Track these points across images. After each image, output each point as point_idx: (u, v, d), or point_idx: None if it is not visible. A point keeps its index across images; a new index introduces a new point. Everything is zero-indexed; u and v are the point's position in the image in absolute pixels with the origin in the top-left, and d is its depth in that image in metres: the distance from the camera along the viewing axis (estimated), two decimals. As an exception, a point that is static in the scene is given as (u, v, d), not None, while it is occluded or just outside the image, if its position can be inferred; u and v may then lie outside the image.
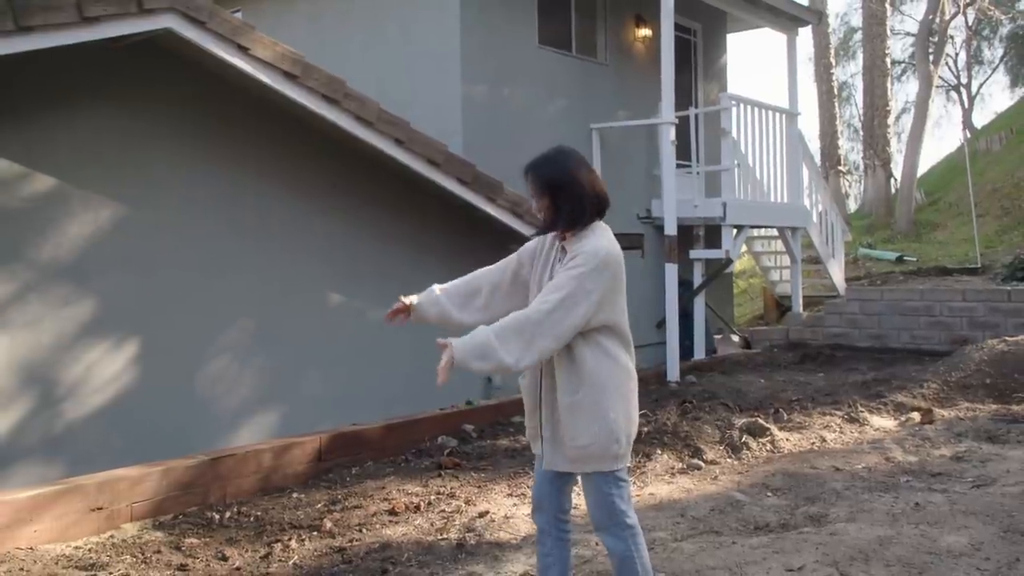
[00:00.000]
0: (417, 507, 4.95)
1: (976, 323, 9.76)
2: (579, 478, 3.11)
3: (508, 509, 4.83)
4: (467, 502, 5.00)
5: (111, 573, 4.08)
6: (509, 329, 2.89)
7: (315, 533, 4.60)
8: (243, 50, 5.65)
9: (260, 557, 4.30)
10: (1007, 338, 8.01)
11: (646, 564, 3.06)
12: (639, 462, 5.67)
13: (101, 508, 4.62)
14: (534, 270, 3.16)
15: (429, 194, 7.45)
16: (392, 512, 4.87)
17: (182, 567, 4.18)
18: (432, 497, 5.13)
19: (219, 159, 6.35)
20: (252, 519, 4.90)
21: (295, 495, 5.32)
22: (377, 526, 4.67)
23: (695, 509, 4.64)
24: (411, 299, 3.31)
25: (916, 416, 6.48)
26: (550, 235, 3.16)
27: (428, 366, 7.54)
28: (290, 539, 4.49)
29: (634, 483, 5.25)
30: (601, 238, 3.01)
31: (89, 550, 4.38)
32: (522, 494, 5.11)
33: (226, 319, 6.39)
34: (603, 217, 3.09)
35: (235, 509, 5.04)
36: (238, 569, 4.15)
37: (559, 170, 3.06)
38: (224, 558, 4.28)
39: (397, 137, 6.62)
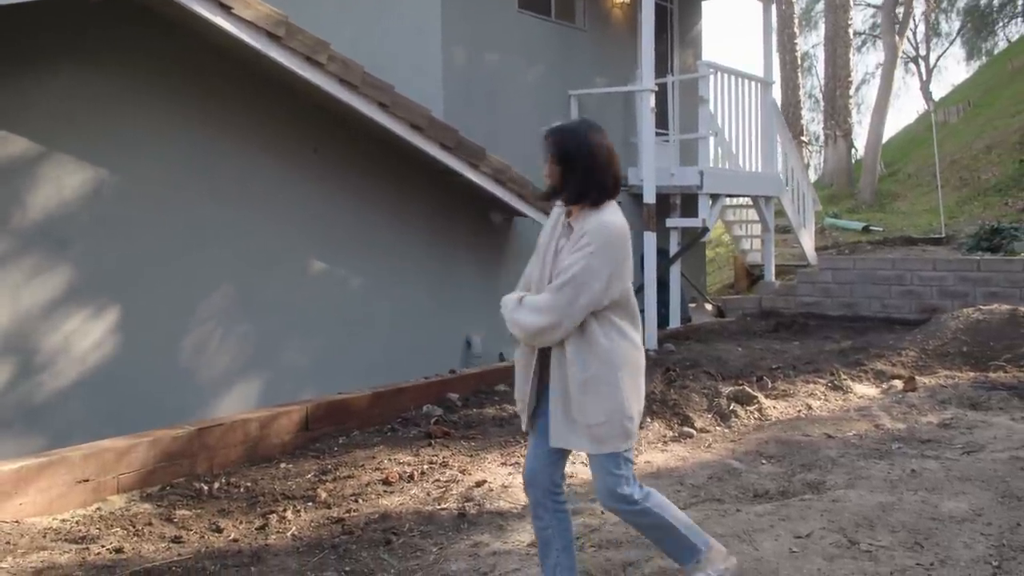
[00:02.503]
0: (411, 476, 4.90)
1: (946, 292, 9.90)
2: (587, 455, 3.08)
3: (504, 478, 4.79)
4: (462, 471, 4.95)
5: (103, 546, 3.98)
6: (528, 302, 2.98)
7: (310, 504, 4.53)
8: (225, 9, 5.46)
9: (256, 528, 4.22)
10: (981, 307, 8.13)
11: (671, 513, 3.07)
12: (630, 430, 5.66)
13: (87, 480, 4.50)
14: (547, 245, 3.12)
15: (411, 160, 7.32)
16: (386, 482, 4.81)
17: (176, 539, 4.08)
18: (425, 466, 5.07)
19: (199, 123, 6.17)
20: (242, 490, 4.81)
21: (283, 465, 5.24)
22: (373, 496, 4.61)
23: (693, 477, 4.64)
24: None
25: (899, 384, 6.56)
26: (559, 210, 3.13)
27: (407, 335, 7.51)
28: (285, 510, 4.41)
29: (628, 451, 5.25)
30: (606, 214, 2.97)
31: (77, 523, 4.27)
32: (516, 463, 5.07)
33: (208, 286, 6.24)
34: (612, 199, 3.03)
35: (224, 480, 4.95)
36: (235, 541, 4.07)
37: (578, 142, 3.01)
38: (219, 530, 4.20)
39: (381, 101, 6.48)
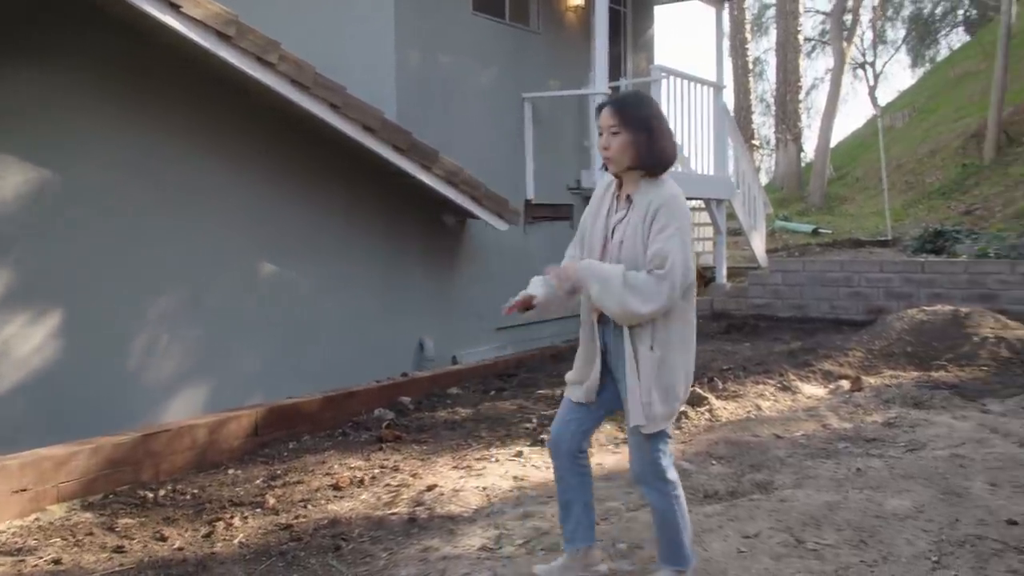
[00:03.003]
0: (361, 481, 4.85)
1: (892, 293, 10.08)
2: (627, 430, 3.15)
3: (456, 482, 4.76)
4: (413, 476, 4.91)
5: (41, 557, 3.88)
6: (636, 284, 2.92)
7: (258, 510, 4.46)
8: (174, 7, 5.36)
9: (202, 536, 4.14)
10: (925, 308, 8.28)
11: (686, 518, 3.14)
12: (582, 432, 5.67)
13: (25, 490, 4.38)
14: (589, 220, 3.18)
15: (363, 162, 7.27)
16: (336, 487, 4.76)
17: (118, 549, 4.00)
18: (376, 471, 5.03)
19: (146, 124, 6.05)
20: (189, 497, 4.73)
21: (232, 471, 5.16)
22: (322, 501, 4.55)
23: (644, 479, 4.66)
24: (529, 292, 3.26)
25: (845, 384, 6.65)
26: (604, 189, 3.19)
27: (359, 338, 7.45)
28: (232, 517, 4.34)
29: (579, 453, 5.25)
30: (669, 187, 3.02)
31: (13, 534, 4.15)
32: (467, 467, 5.05)
33: (154, 290, 6.13)
34: (668, 169, 3.09)
35: (170, 487, 4.86)
36: (180, 549, 3.99)
37: (643, 109, 3.06)
38: (163, 538, 4.12)
39: (333, 102, 6.42)
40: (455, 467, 5.10)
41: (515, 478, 4.82)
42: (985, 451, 4.83)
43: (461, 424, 6.10)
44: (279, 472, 5.08)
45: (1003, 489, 4.21)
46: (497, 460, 5.17)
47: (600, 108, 3.09)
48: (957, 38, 39.03)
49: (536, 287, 3.23)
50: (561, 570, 3.32)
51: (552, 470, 3.37)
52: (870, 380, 6.72)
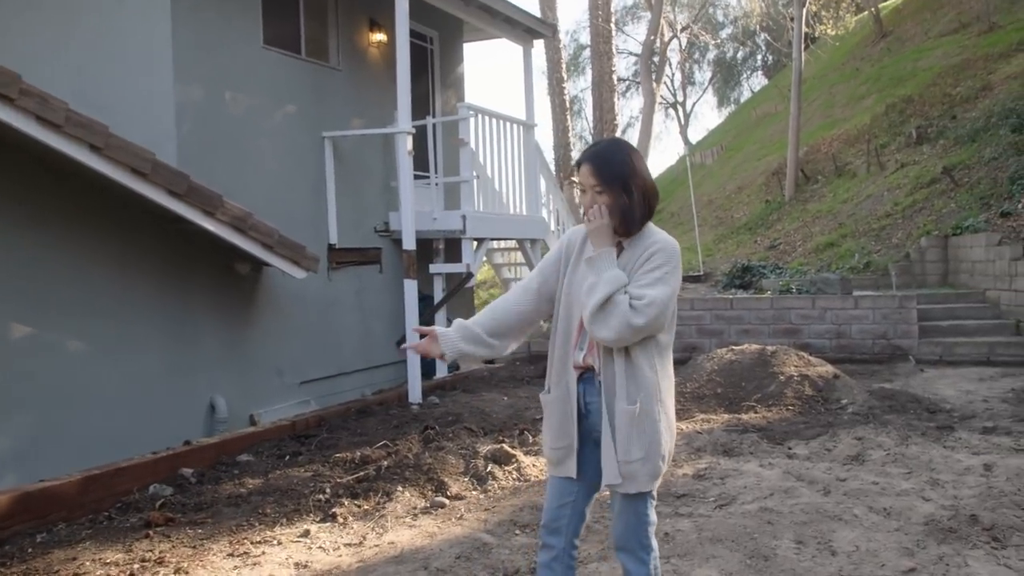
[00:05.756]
0: (115, 582, 4.18)
1: (704, 331, 10.18)
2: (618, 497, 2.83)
3: (227, 574, 4.17)
4: (178, 571, 4.28)
5: None
6: (617, 309, 2.67)
7: (-23, 631, 3.73)
8: None
9: None
10: (734, 346, 8.34)
11: None
12: (378, 502, 5.19)
13: None
14: (563, 273, 2.90)
15: (137, 209, 6.56)
16: (83, 591, 4.07)
17: None
18: (136, 566, 4.35)
19: None
20: None
21: (-43, 579, 4.36)
22: (61, 613, 3.86)
23: (439, 558, 4.23)
24: (436, 328, 3.00)
25: (657, 431, 6.49)
26: (579, 237, 2.86)
27: (137, 404, 6.68)
28: (-58, 643, 3.59)
29: (373, 530, 4.76)
30: (660, 231, 2.83)
31: None
32: (245, 552, 4.47)
33: None
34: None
35: None
36: None
37: (623, 162, 2.76)
38: None
39: (92, 143, 5.71)
40: (231, 554, 4.50)
41: (297, 565, 4.29)
42: (792, 502, 4.71)
43: (247, 498, 5.47)
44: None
45: (808, 547, 4.06)
46: (279, 543, 4.61)
47: (579, 164, 2.81)
48: (757, 81, 41.61)
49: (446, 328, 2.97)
50: None
51: (537, 568, 2.96)
52: (682, 426, 6.60)
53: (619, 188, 2.74)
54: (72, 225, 6.32)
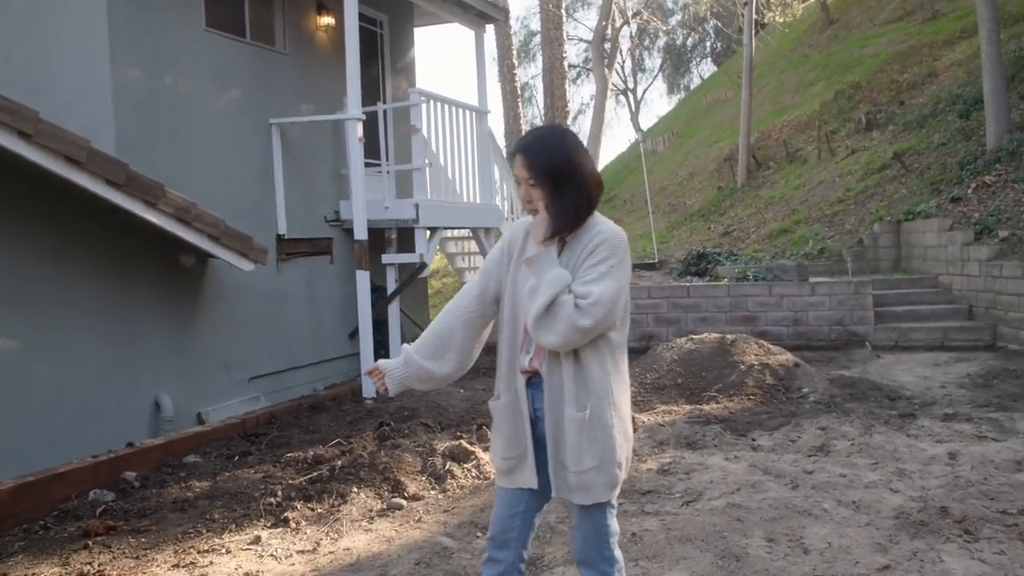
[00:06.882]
0: (51, 598, 3.92)
1: (661, 319, 10.09)
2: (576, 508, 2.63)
3: (173, 588, 3.94)
4: (119, 584, 4.03)
5: None
6: (561, 311, 2.48)
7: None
8: None
9: None
10: (693, 336, 8.23)
11: None
12: (332, 505, 4.97)
13: None
14: (508, 271, 2.71)
15: (75, 200, 6.23)
16: (15, 610, 3.80)
17: None
18: (73, 581, 4.10)
19: None
20: None
21: None
22: (-9, 635, 3.60)
23: (398, 565, 4.03)
24: (381, 362, 2.85)
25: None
26: (521, 230, 2.66)
27: (76, 404, 6.36)
28: None
29: (327, 535, 4.55)
30: (605, 221, 2.62)
31: None
32: (192, 562, 4.23)
33: None
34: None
35: None
36: None
37: (559, 153, 2.54)
38: None
39: (21, 129, 5.38)
40: (176, 565, 4.26)
41: (247, 575, 4.06)
42: (760, 497, 4.60)
43: (194, 503, 5.22)
44: (-58, 594, 4.03)
45: (780, 545, 3.94)
46: (228, 551, 4.38)
47: (512, 155, 2.60)
48: (707, 68, 41.74)
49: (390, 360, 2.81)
50: None
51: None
52: (643, 418, 6.47)
53: (555, 181, 2.53)
54: (2, 217, 5.97)
